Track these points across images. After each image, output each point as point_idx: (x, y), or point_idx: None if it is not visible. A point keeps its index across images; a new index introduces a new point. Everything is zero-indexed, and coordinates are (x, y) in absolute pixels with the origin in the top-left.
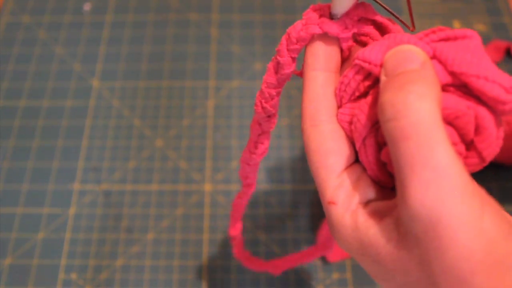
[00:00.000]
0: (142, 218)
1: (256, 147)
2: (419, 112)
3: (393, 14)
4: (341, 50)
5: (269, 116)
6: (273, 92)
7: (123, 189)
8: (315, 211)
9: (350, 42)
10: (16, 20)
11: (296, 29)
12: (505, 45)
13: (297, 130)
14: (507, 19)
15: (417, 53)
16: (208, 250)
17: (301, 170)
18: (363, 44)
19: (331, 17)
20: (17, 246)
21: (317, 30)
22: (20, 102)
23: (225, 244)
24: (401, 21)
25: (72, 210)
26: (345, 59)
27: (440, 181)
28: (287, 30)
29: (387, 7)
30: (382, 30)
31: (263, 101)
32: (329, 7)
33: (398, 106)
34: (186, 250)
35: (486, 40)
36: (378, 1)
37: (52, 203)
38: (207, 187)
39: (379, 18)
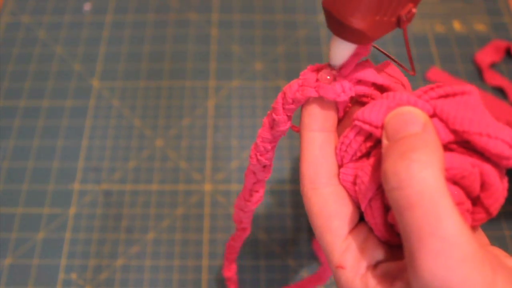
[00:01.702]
0: (142, 218)
1: (251, 195)
2: (423, 181)
3: (392, 59)
4: (337, 110)
5: (264, 167)
6: (268, 146)
7: (123, 189)
8: None
9: (347, 104)
10: (16, 20)
11: (292, 89)
12: (505, 45)
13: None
14: (507, 19)
15: (418, 115)
16: (208, 250)
17: None
18: (363, 104)
19: (330, 67)
20: (17, 246)
21: (314, 94)
22: (20, 102)
23: (225, 244)
24: (401, 65)
25: (72, 210)
26: (340, 119)
27: (450, 251)
28: (283, 89)
29: (385, 52)
30: (383, 89)
31: (258, 154)
32: (327, 67)
33: (402, 175)
34: (186, 250)
35: (486, 40)
36: (377, 47)
37: (52, 203)
38: (207, 187)
39: (378, 80)
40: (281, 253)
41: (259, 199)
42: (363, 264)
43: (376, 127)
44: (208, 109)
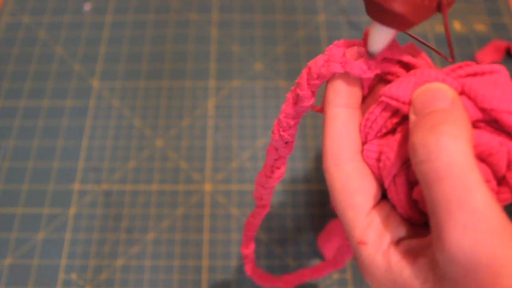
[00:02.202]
0: (142, 218)
1: (272, 171)
2: (453, 153)
3: (428, 46)
4: (362, 87)
5: (286, 143)
6: (291, 122)
7: (123, 189)
8: (315, 211)
9: (372, 82)
10: (16, 20)
11: (318, 64)
12: (505, 45)
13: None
14: (507, 19)
15: (446, 91)
16: (208, 250)
17: (301, 170)
18: (388, 82)
19: (369, 55)
20: (17, 246)
21: (339, 69)
22: (20, 102)
23: (225, 244)
24: (437, 52)
25: (72, 210)
26: (364, 97)
27: (478, 224)
28: (308, 64)
29: (421, 40)
30: (409, 67)
31: (281, 129)
32: (353, 43)
33: (431, 147)
34: (186, 250)
35: (486, 40)
36: (412, 35)
37: (52, 203)
38: (207, 187)
39: (405, 58)
40: (281, 253)
41: (281, 176)
42: (386, 240)
43: (404, 103)
44: (208, 109)
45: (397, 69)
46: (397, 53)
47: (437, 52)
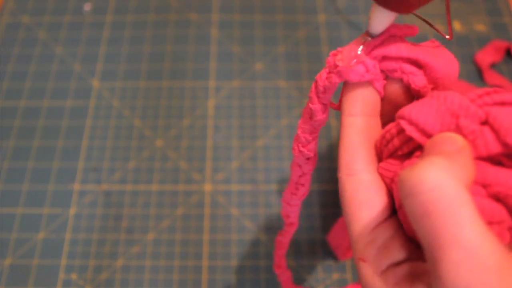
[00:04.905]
0: (142, 218)
1: (297, 189)
2: (441, 186)
3: (427, 22)
4: (378, 92)
5: (308, 159)
6: (309, 137)
7: (123, 189)
8: (315, 211)
9: (382, 82)
10: (16, 20)
11: (322, 78)
12: (505, 45)
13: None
14: (507, 19)
15: (456, 140)
16: (208, 250)
17: None
18: (395, 80)
19: (370, 36)
20: (17, 246)
21: (337, 79)
22: (20, 102)
23: (225, 244)
24: (435, 29)
25: (72, 210)
26: (382, 98)
27: (472, 262)
28: (316, 77)
29: (420, 16)
30: (416, 64)
31: (300, 145)
32: (349, 49)
33: (414, 180)
34: (186, 250)
35: (486, 40)
36: (414, 12)
37: (52, 203)
38: (207, 187)
39: (404, 54)
40: None
41: (305, 193)
42: (385, 261)
43: (422, 130)
44: (208, 109)
45: (402, 65)
46: (394, 51)
47: (436, 29)
